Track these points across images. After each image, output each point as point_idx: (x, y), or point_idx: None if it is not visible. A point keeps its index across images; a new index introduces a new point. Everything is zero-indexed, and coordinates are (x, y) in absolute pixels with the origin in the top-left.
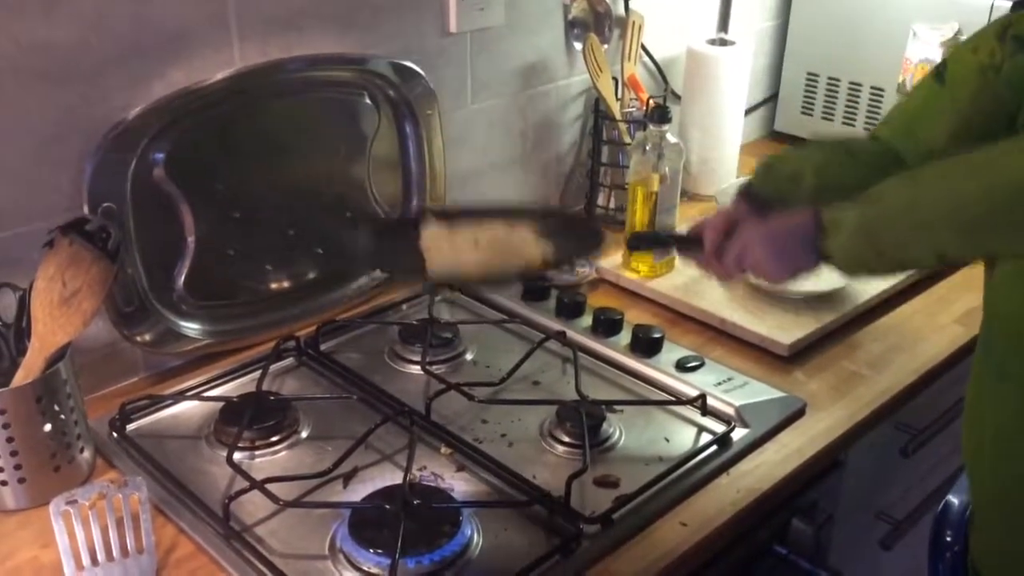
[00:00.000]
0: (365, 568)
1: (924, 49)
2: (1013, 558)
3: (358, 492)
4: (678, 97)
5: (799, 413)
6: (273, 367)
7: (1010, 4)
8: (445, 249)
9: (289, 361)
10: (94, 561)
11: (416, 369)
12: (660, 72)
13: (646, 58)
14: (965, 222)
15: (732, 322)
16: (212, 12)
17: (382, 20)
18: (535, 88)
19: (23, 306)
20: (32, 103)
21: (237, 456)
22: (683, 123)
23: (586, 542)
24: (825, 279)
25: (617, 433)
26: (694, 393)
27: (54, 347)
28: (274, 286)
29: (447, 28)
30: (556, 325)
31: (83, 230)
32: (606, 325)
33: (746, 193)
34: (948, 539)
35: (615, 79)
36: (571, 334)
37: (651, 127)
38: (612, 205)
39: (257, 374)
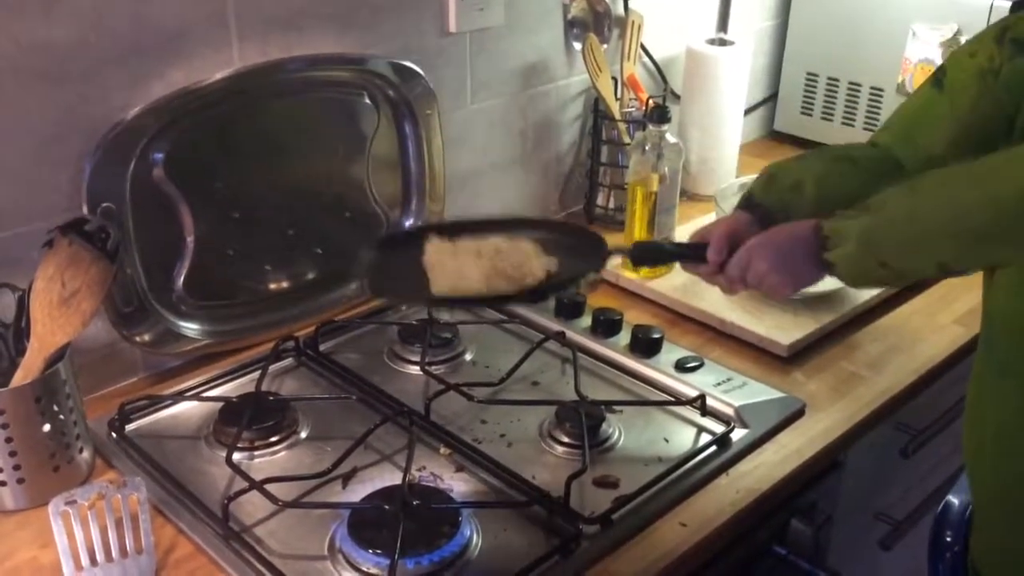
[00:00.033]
0: (364, 568)
1: (923, 49)
2: (1014, 557)
3: (357, 492)
4: (677, 97)
5: (798, 414)
6: (272, 367)
7: (1009, 5)
8: (448, 263)
9: (288, 361)
10: (93, 561)
11: (415, 369)
12: (659, 72)
13: (645, 58)
14: (966, 231)
15: (731, 322)
16: (211, 12)
17: (381, 20)
18: (535, 88)
19: (22, 306)
20: (31, 103)
21: (236, 456)
22: (682, 123)
23: (585, 542)
24: (824, 279)
25: (616, 433)
26: (693, 393)
27: (53, 347)
28: (273, 286)
29: (446, 28)
30: (555, 325)
31: (82, 230)
32: (605, 325)
33: (748, 203)
34: (948, 539)
35: (614, 79)
36: (570, 334)
37: (650, 127)
38: (611, 205)
39: (256, 374)
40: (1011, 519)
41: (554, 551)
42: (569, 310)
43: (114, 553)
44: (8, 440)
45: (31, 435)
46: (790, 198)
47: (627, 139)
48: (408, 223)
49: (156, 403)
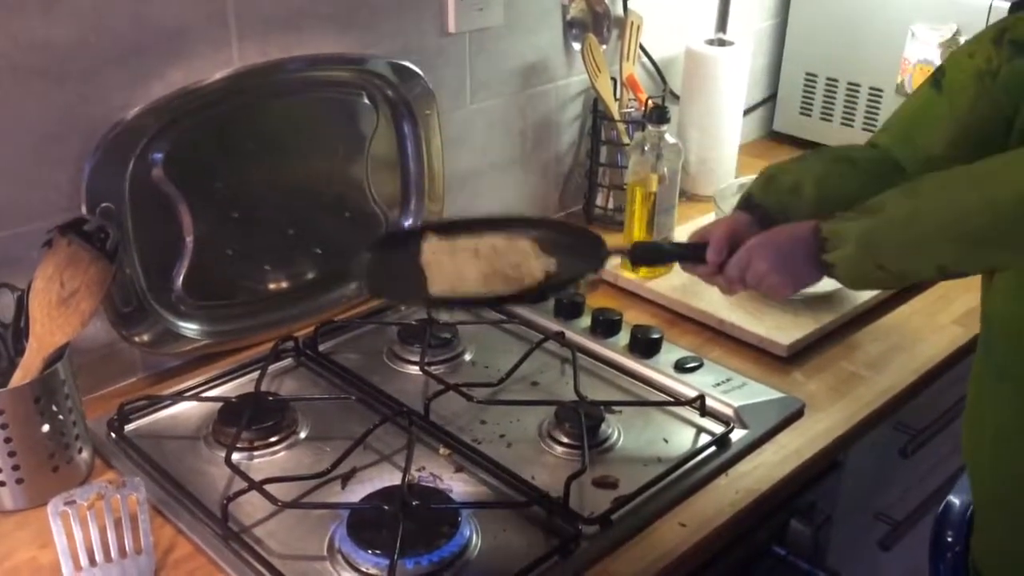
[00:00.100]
0: (363, 569)
1: (923, 49)
2: (1014, 558)
3: (357, 493)
4: (677, 97)
5: (798, 414)
6: (272, 367)
7: (1008, 5)
8: (446, 263)
9: (288, 361)
10: (92, 562)
11: (415, 369)
12: (659, 72)
13: (645, 58)
14: (965, 234)
15: (731, 323)
16: (211, 12)
17: (381, 20)
18: (534, 88)
19: (21, 306)
20: (31, 102)
21: (235, 457)
22: (682, 123)
23: (585, 543)
24: (824, 280)
25: (616, 434)
26: (693, 394)
27: (52, 347)
28: (273, 286)
29: (446, 28)
30: (555, 326)
31: (81, 230)
32: (605, 326)
33: (747, 204)
34: (949, 539)
35: (614, 79)
36: (570, 335)
37: (650, 127)
38: (611, 205)
39: (256, 374)
40: (1011, 520)
41: (553, 551)
42: (568, 310)
43: (113, 553)
44: (7, 440)
45: (30, 435)
46: (789, 199)
47: (626, 139)
48: (407, 223)
49: (155, 403)
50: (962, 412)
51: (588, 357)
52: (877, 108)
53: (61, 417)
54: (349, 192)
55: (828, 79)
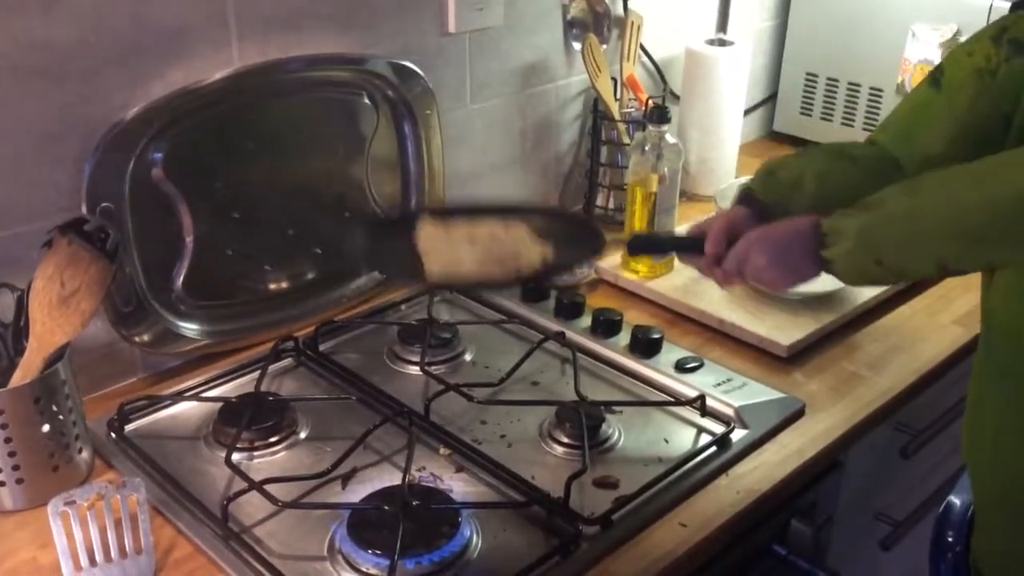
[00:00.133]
0: (364, 569)
1: (923, 50)
2: (1014, 558)
3: (357, 493)
4: (677, 97)
5: (798, 414)
6: (272, 367)
7: (1008, 5)
8: (443, 249)
9: (288, 361)
10: (92, 562)
11: (415, 370)
12: (659, 72)
13: (645, 58)
14: (964, 232)
15: (731, 323)
16: (211, 12)
17: (381, 20)
18: (534, 88)
19: (21, 306)
20: (30, 102)
21: (236, 457)
22: (682, 123)
23: (585, 543)
24: (824, 280)
25: (616, 434)
26: (693, 394)
27: (52, 347)
28: (273, 286)
29: (446, 28)
30: (555, 326)
31: (81, 230)
32: (605, 326)
33: (746, 198)
34: (950, 539)
35: (614, 79)
36: (570, 335)
37: (650, 127)
38: (611, 205)
39: (256, 375)
40: (1011, 520)
41: (554, 551)
42: (569, 310)
43: (113, 554)
44: (7, 440)
45: (30, 435)
46: (789, 194)
47: (627, 139)
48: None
49: (155, 403)
50: (962, 413)
51: (588, 357)
52: (878, 108)
53: (61, 417)
54: (349, 192)
55: (828, 79)
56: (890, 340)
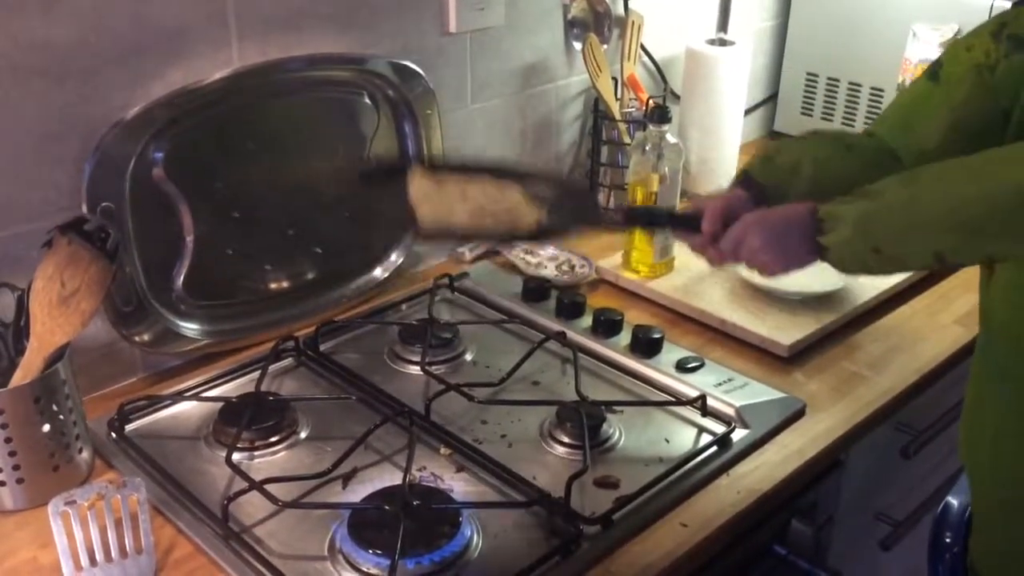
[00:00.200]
0: (364, 569)
1: (924, 49)
2: (1013, 559)
3: (357, 493)
4: (677, 97)
5: (799, 414)
6: (272, 367)
7: (1008, 5)
8: (435, 202)
9: (288, 361)
10: (92, 562)
11: (416, 369)
12: (659, 72)
13: (645, 58)
14: (962, 224)
15: (732, 323)
16: (211, 11)
17: (381, 20)
18: (534, 88)
19: (21, 306)
20: (31, 102)
21: (236, 457)
22: (682, 123)
23: (586, 543)
24: (824, 279)
25: (617, 434)
26: (694, 394)
27: (53, 347)
28: (273, 286)
29: (447, 28)
30: (556, 325)
31: (82, 230)
32: (606, 325)
33: (744, 181)
34: (948, 540)
35: (614, 79)
36: (571, 334)
37: (651, 127)
38: (612, 205)
39: (256, 374)
40: (1010, 521)
41: (554, 551)
42: (569, 310)
43: (114, 553)
44: (7, 440)
45: (30, 435)
46: (787, 178)
47: (627, 139)
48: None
49: (156, 403)
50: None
51: (589, 357)
52: (878, 108)
53: (61, 417)
54: (349, 192)
55: (829, 79)
56: (891, 340)
